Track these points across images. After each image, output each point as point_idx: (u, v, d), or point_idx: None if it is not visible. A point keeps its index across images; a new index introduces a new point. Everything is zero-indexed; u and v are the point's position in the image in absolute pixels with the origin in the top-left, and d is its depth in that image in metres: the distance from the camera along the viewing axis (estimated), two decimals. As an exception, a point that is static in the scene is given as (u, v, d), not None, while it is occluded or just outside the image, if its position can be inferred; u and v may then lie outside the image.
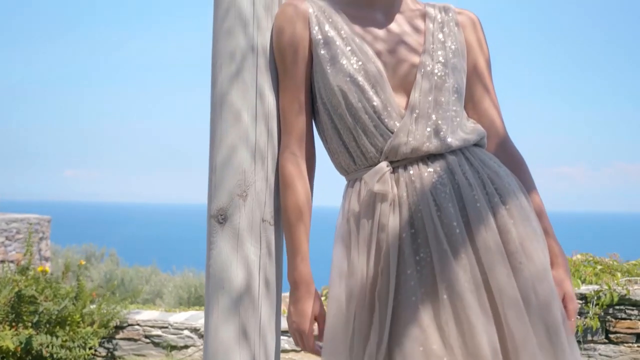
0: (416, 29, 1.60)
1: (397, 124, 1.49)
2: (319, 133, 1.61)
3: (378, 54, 1.54)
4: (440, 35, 1.60)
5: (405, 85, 1.53)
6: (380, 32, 1.57)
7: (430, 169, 1.48)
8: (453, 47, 1.59)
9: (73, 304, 4.26)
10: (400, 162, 1.50)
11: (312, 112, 1.60)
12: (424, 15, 1.63)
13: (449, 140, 1.50)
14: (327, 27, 1.55)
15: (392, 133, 1.49)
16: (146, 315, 4.97)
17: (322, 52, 1.54)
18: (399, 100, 1.52)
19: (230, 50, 1.57)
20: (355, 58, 1.52)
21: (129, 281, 15.13)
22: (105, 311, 4.57)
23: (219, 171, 1.56)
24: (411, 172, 1.48)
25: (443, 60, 1.55)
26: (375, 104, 1.49)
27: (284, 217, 1.57)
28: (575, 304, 1.51)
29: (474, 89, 1.64)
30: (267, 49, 1.59)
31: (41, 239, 11.25)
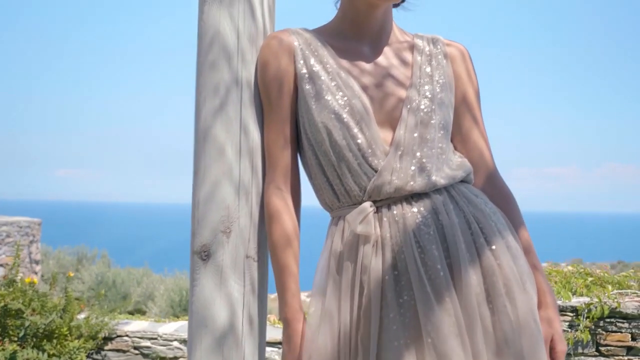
0: (404, 62, 1.58)
1: (381, 162, 1.47)
2: (304, 168, 1.58)
3: (364, 88, 1.52)
4: (428, 69, 1.57)
5: (391, 120, 1.51)
6: (367, 66, 1.55)
7: (414, 209, 1.46)
8: (441, 80, 1.57)
9: (60, 317, 4.22)
10: (383, 201, 1.47)
11: (298, 146, 1.57)
12: (412, 47, 1.60)
13: (434, 178, 1.48)
14: (312, 61, 1.53)
15: (376, 172, 1.47)
16: (135, 326, 4.93)
17: (307, 87, 1.51)
18: (385, 135, 1.50)
19: (214, 83, 1.54)
20: (340, 93, 1.50)
21: (121, 283, 15.07)
22: (93, 322, 4.54)
23: (202, 206, 1.53)
24: (395, 212, 1.46)
25: (430, 95, 1.53)
26: (359, 141, 1.47)
27: (271, 249, 1.54)
28: (564, 346, 1.49)
29: (462, 121, 1.61)
30: (252, 83, 1.56)
31: (32, 242, 11.18)
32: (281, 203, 1.52)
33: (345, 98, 1.49)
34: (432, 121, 1.51)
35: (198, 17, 1.58)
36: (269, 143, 1.56)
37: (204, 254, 1.51)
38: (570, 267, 4.77)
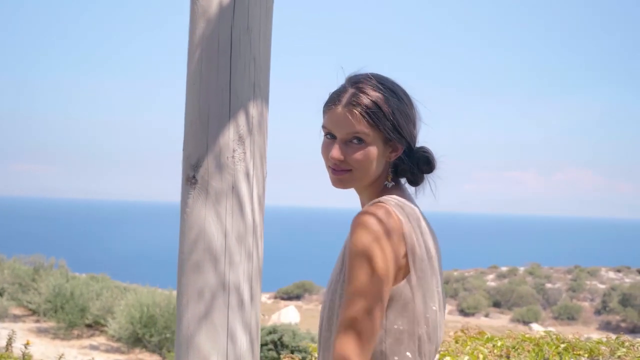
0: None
1: None
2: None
3: None
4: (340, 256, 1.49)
5: None
6: None
7: None
8: (340, 266, 1.47)
9: (18, 386, 4.03)
10: None
11: None
12: None
13: None
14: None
15: None
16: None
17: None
18: None
19: (199, 287, 1.40)
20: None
21: (79, 295, 14.74)
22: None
23: None
24: None
25: (329, 293, 1.46)
26: None
27: None
28: None
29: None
30: (240, 285, 1.43)
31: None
32: None
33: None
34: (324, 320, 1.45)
35: (181, 208, 1.44)
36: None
37: None
38: (542, 332, 4.74)
